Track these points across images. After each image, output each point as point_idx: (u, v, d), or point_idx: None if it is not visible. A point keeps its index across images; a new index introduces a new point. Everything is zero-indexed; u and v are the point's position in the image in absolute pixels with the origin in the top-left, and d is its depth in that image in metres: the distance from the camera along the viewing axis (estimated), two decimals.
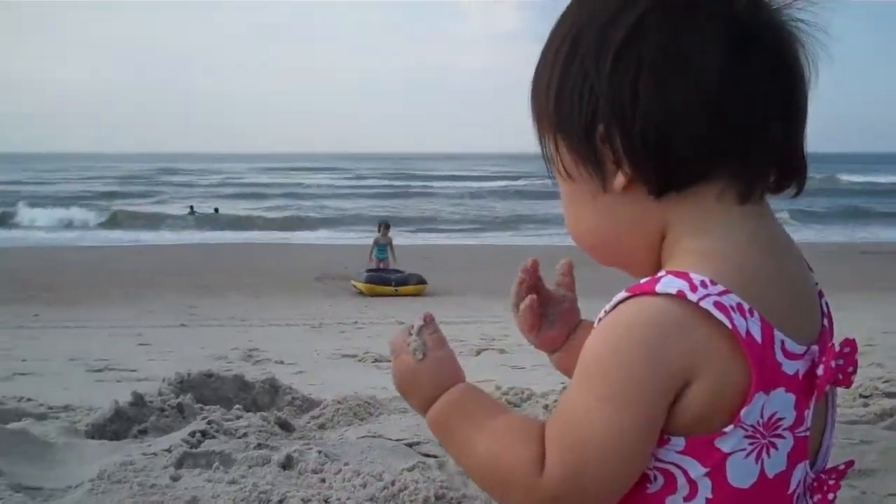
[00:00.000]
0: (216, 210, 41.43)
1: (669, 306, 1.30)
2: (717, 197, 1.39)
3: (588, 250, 1.56)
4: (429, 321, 1.61)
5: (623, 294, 1.34)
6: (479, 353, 9.06)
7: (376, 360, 8.23)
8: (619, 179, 1.39)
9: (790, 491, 1.41)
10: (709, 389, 1.30)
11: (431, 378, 1.58)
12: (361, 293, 17.45)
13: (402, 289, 17.46)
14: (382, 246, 19.92)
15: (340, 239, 30.91)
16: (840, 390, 3.66)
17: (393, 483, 2.58)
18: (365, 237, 27.37)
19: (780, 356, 1.31)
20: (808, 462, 1.42)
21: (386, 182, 67.84)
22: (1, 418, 3.49)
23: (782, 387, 1.32)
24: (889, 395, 3.88)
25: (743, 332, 1.27)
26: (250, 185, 63.49)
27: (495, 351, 9.08)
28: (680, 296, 1.28)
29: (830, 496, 1.45)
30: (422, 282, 17.73)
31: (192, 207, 41.70)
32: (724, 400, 1.30)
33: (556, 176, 1.54)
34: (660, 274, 1.33)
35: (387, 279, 17.83)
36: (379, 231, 20.40)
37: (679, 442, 1.34)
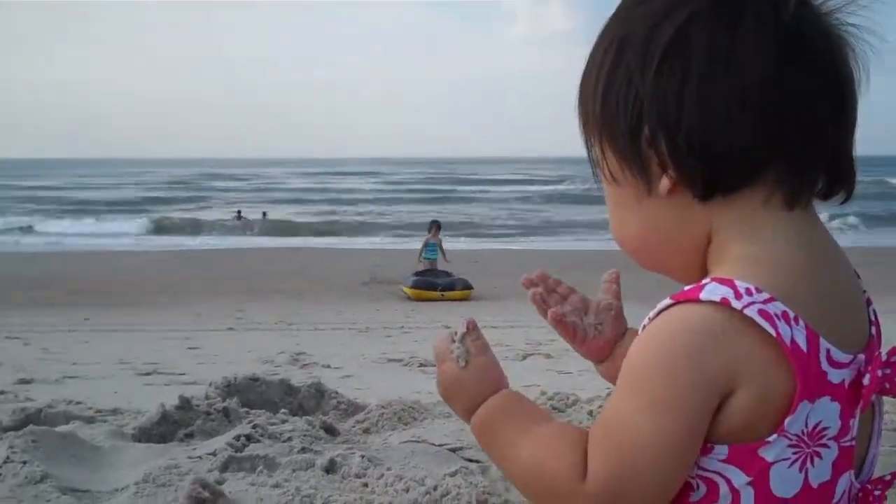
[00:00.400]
0: (264, 214, 41.58)
1: (713, 314, 1.29)
2: (764, 202, 1.38)
3: (632, 254, 1.56)
4: (472, 328, 1.62)
5: (667, 301, 1.34)
6: (524, 357, 9.03)
7: (422, 365, 8.24)
8: (664, 183, 1.38)
9: (834, 501, 1.39)
10: (752, 398, 1.29)
11: (475, 384, 1.59)
12: (409, 298, 17.32)
13: (447, 294, 17.27)
14: (432, 246, 19.67)
15: (387, 244, 30.96)
16: (887, 398, 3.61)
17: (435, 488, 2.58)
18: (411, 242, 27.42)
19: (825, 365, 1.30)
20: (852, 472, 1.40)
21: (432, 186, 67.82)
22: (50, 422, 3.53)
23: (827, 396, 1.31)
24: None
25: (788, 341, 1.26)
26: (294, 190, 63.81)
27: (541, 356, 9.05)
28: (724, 303, 1.28)
29: None
30: (468, 287, 17.56)
31: (239, 212, 41.89)
32: (768, 408, 1.29)
33: (601, 179, 1.54)
34: (704, 281, 1.33)
35: (433, 284, 17.65)
36: (429, 231, 20.17)
37: (722, 450, 1.33)
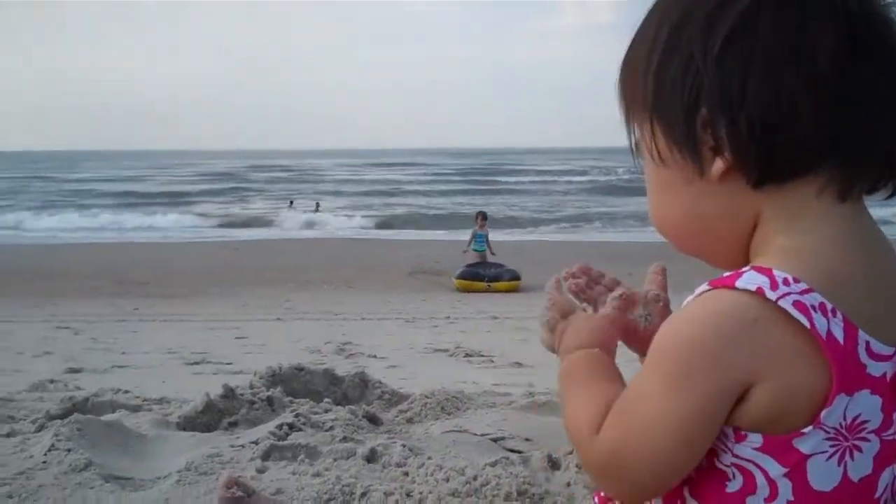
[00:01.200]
0: (317, 205, 41.75)
1: (747, 302, 1.27)
2: (818, 193, 1.36)
3: (671, 238, 1.54)
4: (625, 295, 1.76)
5: (704, 286, 1.33)
6: None
7: (468, 355, 8.22)
8: (718, 166, 1.36)
9: (877, 495, 1.37)
10: (780, 389, 1.27)
11: (577, 333, 1.69)
12: (458, 289, 17.19)
13: (494, 285, 17.05)
14: (480, 237, 19.36)
15: (433, 234, 30.98)
16: None
17: (475, 478, 2.57)
18: (456, 233, 27.43)
19: (864, 357, 1.28)
20: (894, 467, 1.38)
21: (477, 177, 67.76)
22: (95, 410, 3.57)
23: (867, 389, 1.29)
24: None
25: (823, 333, 1.24)
26: (339, 182, 63.95)
27: None
28: (759, 293, 1.26)
29: None
30: (515, 277, 17.33)
31: (291, 202, 42.08)
32: (801, 400, 1.27)
33: (644, 162, 1.53)
34: (744, 269, 1.31)
35: (480, 275, 17.45)
36: (476, 222, 19.88)
37: (756, 439, 1.31)
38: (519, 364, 7.67)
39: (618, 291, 1.76)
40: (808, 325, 1.24)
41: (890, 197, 1.43)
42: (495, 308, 13.99)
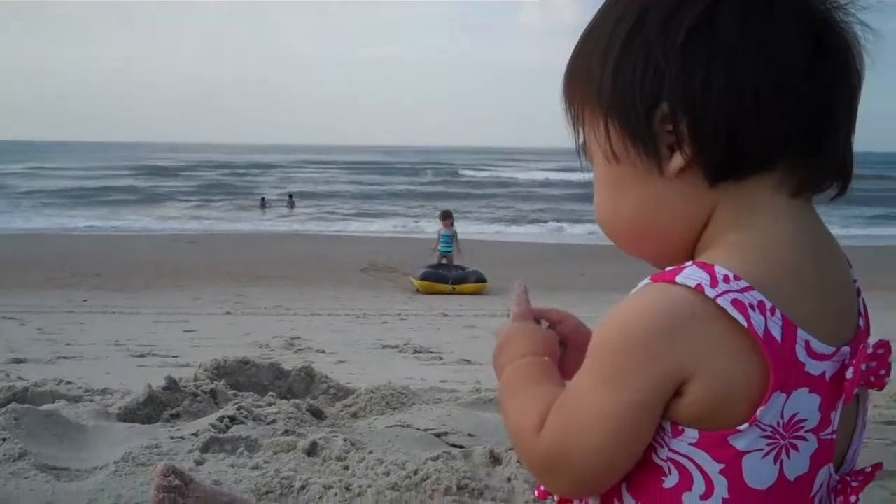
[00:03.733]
0: (290, 197, 41.65)
1: (686, 298, 1.27)
2: (773, 189, 1.37)
3: (619, 237, 1.54)
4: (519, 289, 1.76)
5: (646, 280, 1.34)
6: None
7: (416, 351, 8.21)
8: (677, 162, 1.36)
9: (812, 494, 1.38)
10: (716, 385, 1.27)
11: (511, 347, 1.66)
12: (419, 291, 16.75)
13: (459, 287, 16.66)
14: (446, 237, 18.70)
15: (385, 231, 30.98)
16: (879, 392, 3.59)
17: (416, 472, 2.56)
18: (409, 231, 27.42)
19: (802, 356, 1.28)
20: (832, 465, 1.38)
21: (430, 169, 67.78)
22: (34, 400, 3.52)
23: (806, 387, 1.29)
24: None
25: (760, 331, 1.25)
26: (296, 179, 63.71)
27: None
28: (699, 289, 1.26)
29: (853, 498, 1.41)
30: (481, 280, 16.96)
31: (263, 199, 41.94)
32: (737, 397, 1.27)
33: (594, 159, 1.53)
34: (686, 264, 1.31)
35: (444, 277, 17.04)
36: (443, 222, 19.24)
37: (692, 434, 1.32)
38: (467, 361, 7.67)
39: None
40: (745, 323, 1.24)
41: (837, 197, 1.44)
42: (447, 305, 14.01)
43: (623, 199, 1.47)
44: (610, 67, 1.41)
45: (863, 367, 1.32)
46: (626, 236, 1.52)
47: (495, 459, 2.85)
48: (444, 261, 18.25)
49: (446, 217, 19.22)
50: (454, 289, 16.55)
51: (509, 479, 2.64)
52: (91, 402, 3.76)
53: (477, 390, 4.22)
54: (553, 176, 65.41)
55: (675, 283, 1.29)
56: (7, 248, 21.18)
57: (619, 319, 1.34)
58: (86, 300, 13.48)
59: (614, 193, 1.49)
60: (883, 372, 1.36)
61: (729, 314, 1.24)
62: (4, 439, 2.74)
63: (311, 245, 24.30)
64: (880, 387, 1.38)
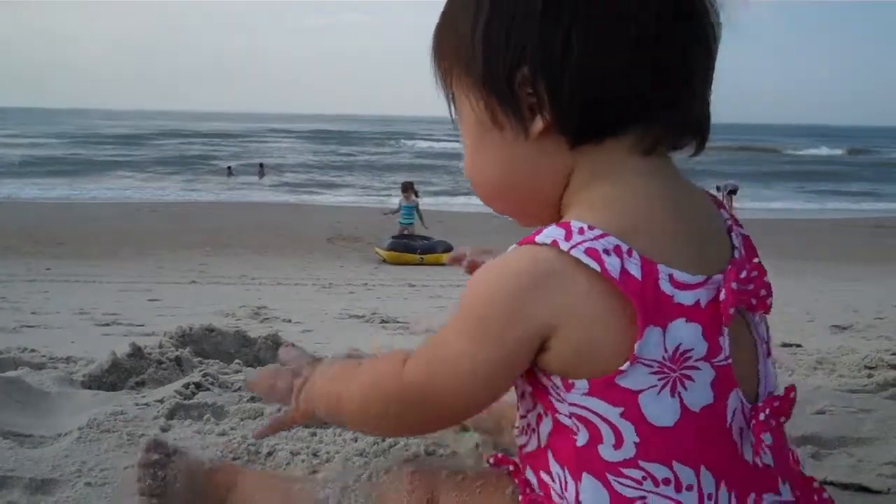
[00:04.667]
0: (261, 166, 41.55)
1: (543, 256, 1.35)
2: (629, 149, 1.46)
3: (486, 197, 1.67)
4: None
5: (514, 245, 1.41)
6: None
7: (384, 321, 8.24)
8: (538, 125, 1.45)
9: (727, 423, 1.42)
10: (582, 335, 1.35)
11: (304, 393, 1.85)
12: (385, 261, 16.90)
13: (427, 257, 16.86)
14: (407, 210, 19.01)
15: (352, 202, 30.96)
16: (845, 361, 3.68)
17: (383, 439, 2.56)
18: (376, 199, 27.38)
19: (668, 288, 1.33)
20: (739, 391, 1.43)
21: (389, 142, 67.70)
22: None
23: (681, 318, 1.34)
24: (894, 366, 3.83)
25: (616, 273, 1.30)
26: (281, 147, 63.40)
27: None
28: (554, 245, 1.33)
29: (761, 416, 1.44)
30: (448, 249, 16.38)
31: (230, 168, 41.79)
32: (610, 341, 1.34)
33: (462, 123, 1.60)
34: (549, 225, 1.39)
35: (412, 247, 17.24)
36: (403, 193, 19.56)
37: (582, 384, 1.40)
38: (434, 332, 7.66)
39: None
40: (598, 268, 1.31)
41: (695, 154, 1.53)
42: (413, 275, 14.08)
43: (489, 159, 1.57)
44: (478, 31, 1.46)
45: (733, 285, 1.36)
46: (492, 194, 1.63)
47: (463, 427, 2.84)
48: (405, 232, 18.35)
49: (406, 189, 19.39)
50: (422, 259, 16.76)
51: (477, 446, 2.64)
52: (55, 369, 3.72)
53: None
54: None
55: (534, 243, 1.36)
56: None
57: (485, 280, 1.42)
58: (48, 269, 13.40)
59: (482, 155, 1.59)
60: (763, 293, 1.43)
61: (583, 263, 1.31)
62: None
63: (276, 214, 24.29)
64: (765, 309, 1.46)
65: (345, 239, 19.45)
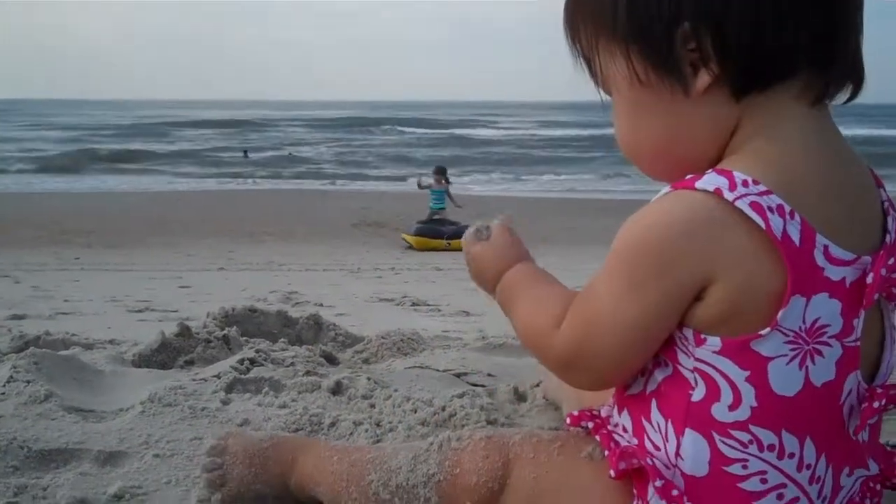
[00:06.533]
0: (290, 154, 41.32)
1: (704, 202, 1.31)
2: (796, 97, 1.40)
3: (645, 161, 1.58)
4: (505, 220, 1.90)
5: (667, 188, 1.38)
6: None
7: (414, 304, 8.23)
8: (703, 79, 1.40)
9: (841, 401, 1.40)
10: (735, 288, 1.32)
11: (497, 260, 1.80)
12: (412, 247, 16.69)
13: (454, 242, 16.11)
14: (439, 194, 18.58)
15: (376, 185, 30.94)
16: None
17: (443, 408, 2.58)
18: (400, 184, 27.36)
19: (821, 260, 1.31)
20: (859, 373, 1.41)
21: (425, 130, 67.50)
22: (49, 347, 3.51)
23: (825, 292, 1.33)
24: None
25: (779, 233, 1.28)
26: (283, 133, 63.25)
27: None
28: (717, 193, 1.30)
29: (875, 404, 1.43)
30: None
31: (245, 152, 41.58)
32: (757, 300, 1.31)
33: (612, 89, 1.55)
34: (707, 171, 1.34)
35: (439, 232, 16.87)
36: (434, 177, 19.12)
37: (715, 342, 1.36)
38: (466, 313, 7.66)
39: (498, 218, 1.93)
40: (763, 225, 1.28)
41: (849, 100, 1.48)
42: (439, 260, 14.03)
43: (648, 125, 1.51)
44: None
45: (883, 272, 1.34)
46: (653, 160, 1.56)
47: (520, 396, 2.87)
48: (435, 217, 18.11)
49: (438, 172, 19.07)
50: (449, 244, 16.25)
51: (535, 414, 2.66)
52: (104, 349, 3.75)
53: (483, 338, 4.22)
54: (541, 132, 65.18)
55: (694, 189, 1.32)
56: None
57: (639, 226, 1.38)
58: (77, 258, 13.45)
59: (638, 119, 1.53)
60: None
61: (748, 217, 1.28)
62: (28, 381, 2.74)
63: (300, 200, 24.26)
64: None
65: (370, 225, 19.43)
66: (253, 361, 3.20)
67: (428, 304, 8.28)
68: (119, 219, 19.59)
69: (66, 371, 2.99)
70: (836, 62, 1.40)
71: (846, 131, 1.49)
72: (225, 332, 3.73)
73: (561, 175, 35.90)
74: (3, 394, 2.68)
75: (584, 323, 1.48)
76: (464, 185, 29.12)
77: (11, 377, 2.76)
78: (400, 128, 68.57)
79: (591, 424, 1.65)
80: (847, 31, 1.39)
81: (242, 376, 3.01)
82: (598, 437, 1.62)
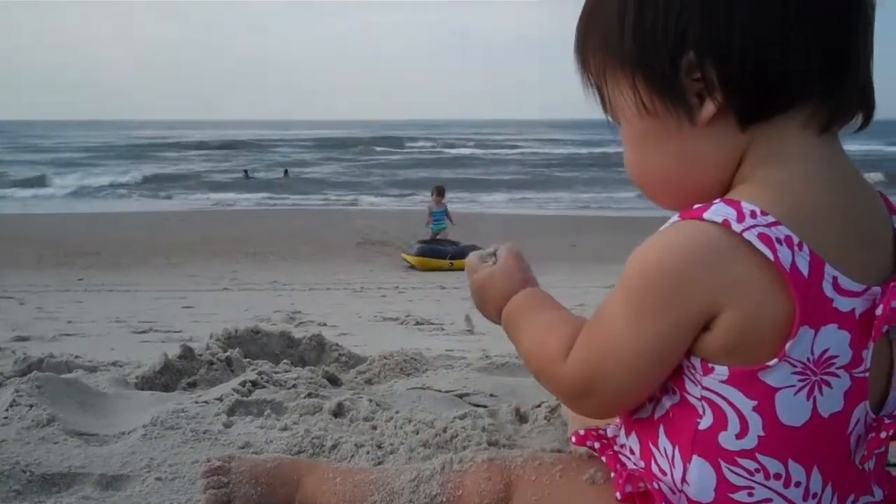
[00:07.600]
0: (286, 172, 41.50)
1: (713, 233, 1.30)
2: (802, 126, 1.39)
3: (654, 191, 1.57)
4: (512, 245, 1.88)
5: (675, 217, 1.37)
6: None
7: (418, 323, 8.23)
8: (709, 109, 1.38)
9: (848, 432, 1.40)
10: (743, 319, 1.31)
11: (503, 285, 1.77)
12: (413, 267, 16.60)
13: (457, 262, 15.91)
14: (438, 214, 18.60)
15: (379, 204, 30.96)
16: None
17: (445, 430, 2.58)
18: (403, 203, 27.36)
19: (830, 292, 1.30)
20: (867, 403, 1.40)
21: (423, 146, 67.55)
22: (52, 370, 3.51)
23: (834, 323, 1.32)
24: None
25: (787, 265, 1.27)
26: (283, 152, 63.33)
27: None
28: (725, 224, 1.29)
29: (883, 434, 1.43)
30: None
31: (246, 172, 41.69)
32: (765, 331, 1.31)
33: (620, 118, 1.54)
34: (714, 201, 1.34)
35: (442, 252, 16.78)
36: (432, 197, 19.22)
37: (722, 371, 1.36)
38: (470, 332, 7.67)
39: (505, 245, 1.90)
40: (771, 257, 1.27)
41: (861, 129, 1.47)
42: (443, 279, 14.05)
43: (655, 154, 1.50)
44: (629, 23, 1.43)
45: (893, 304, 1.33)
46: (661, 189, 1.55)
47: (521, 417, 2.87)
48: (437, 237, 18.08)
49: (439, 193, 19.06)
50: (452, 264, 16.15)
51: (536, 435, 2.66)
52: (107, 371, 3.76)
53: (486, 356, 4.23)
54: (540, 149, 65.26)
55: (702, 219, 1.32)
56: None
57: (650, 254, 1.37)
58: (81, 279, 13.48)
59: (645, 149, 1.51)
60: None
61: (756, 248, 1.27)
62: (31, 405, 2.75)
63: (302, 220, 24.28)
64: None
65: (374, 244, 19.43)
66: (255, 384, 3.21)
67: (432, 323, 8.28)
68: (122, 239, 19.63)
69: (68, 394, 3.00)
70: (844, 91, 1.39)
71: (859, 147, 1.47)
72: (228, 353, 3.74)
73: (564, 192, 35.92)
74: (6, 418, 2.69)
75: (593, 352, 1.47)
76: (466, 203, 29.14)
77: (14, 401, 2.77)
78: (403, 146, 68.61)
79: (597, 444, 1.66)
80: (856, 59, 1.39)
81: (244, 399, 3.02)
82: (604, 458, 1.63)
